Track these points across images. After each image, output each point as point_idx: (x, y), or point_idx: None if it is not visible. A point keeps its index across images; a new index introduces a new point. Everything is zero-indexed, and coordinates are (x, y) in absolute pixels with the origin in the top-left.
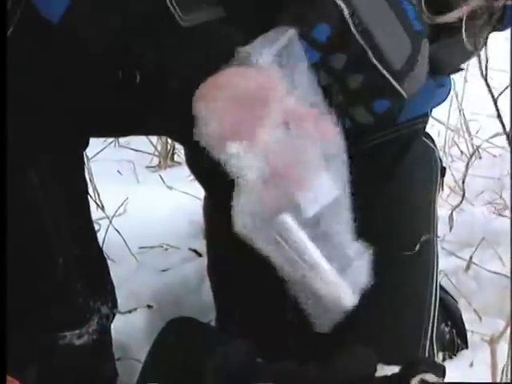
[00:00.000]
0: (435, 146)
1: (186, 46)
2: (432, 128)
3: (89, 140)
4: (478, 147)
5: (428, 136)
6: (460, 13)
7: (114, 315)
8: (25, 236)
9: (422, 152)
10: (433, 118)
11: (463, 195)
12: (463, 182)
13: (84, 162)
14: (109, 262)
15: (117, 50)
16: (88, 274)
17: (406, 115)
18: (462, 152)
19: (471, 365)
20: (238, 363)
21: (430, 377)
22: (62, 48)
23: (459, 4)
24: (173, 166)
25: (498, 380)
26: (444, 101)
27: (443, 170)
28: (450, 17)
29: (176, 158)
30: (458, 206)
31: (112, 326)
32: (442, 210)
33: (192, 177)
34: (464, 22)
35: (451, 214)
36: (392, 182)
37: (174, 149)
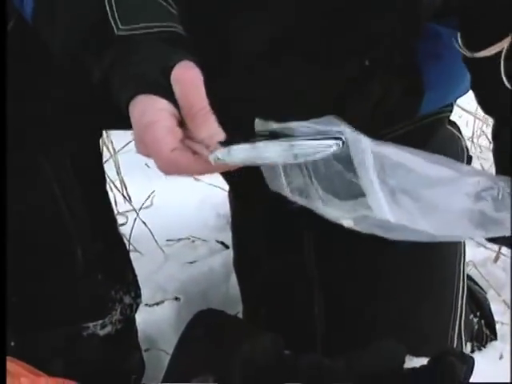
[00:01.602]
0: (461, 134)
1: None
2: (460, 118)
3: (102, 131)
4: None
5: (454, 124)
6: (499, 47)
7: (137, 305)
8: (42, 229)
9: (446, 140)
10: (460, 107)
11: None
12: None
13: (100, 153)
14: (136, 254)
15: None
16: (108, 264)
17: (429, 106)
18: (490, 142)
19: (501, 357)
20: (266, 355)
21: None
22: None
23: (499, 37)
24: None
25: None
26: (469, 90)
27: (469, 158)
28: (490, 51)
29: None
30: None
31: (139, 318)
32: None
33: None
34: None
35: None
36: None
37: None
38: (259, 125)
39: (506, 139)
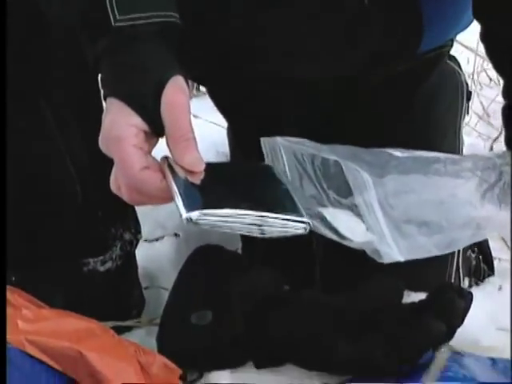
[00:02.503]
0: (461, 69)
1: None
2: (461, 55)
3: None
4: None
5: (454, 59)
6: None
7: (137, 241)
8: (42, 168)
9: (446, 75)
10: (461, 44)
11: (501, 131)
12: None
13: (100, 97)
14: None
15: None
16: (108, 200)
17: (430, 42)
18: (490, 79)
19: (500, 288)
20: (264, 290)
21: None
22: None
23: None
24: (198, 96)
25: None
26: (469, 25)
27: (469, 93)
28: None
29: (202, 88)
30: (496, 139)
31: (139, 254)
32: (470, 138)
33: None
34: None
35: (491, 146)
36: (416, 104)
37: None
38: (266, 142)
39: None
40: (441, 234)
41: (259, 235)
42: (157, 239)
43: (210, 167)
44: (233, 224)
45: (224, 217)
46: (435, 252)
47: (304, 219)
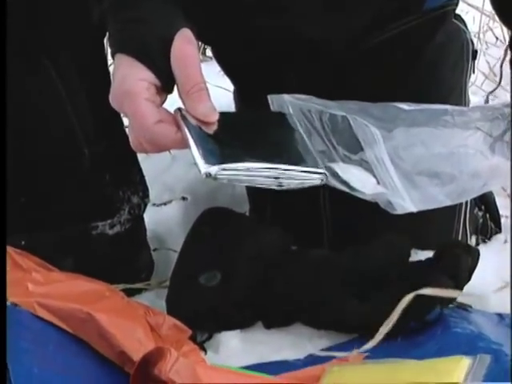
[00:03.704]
0: (467, 28)
1: None
2: (467, 14)
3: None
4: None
5: (459, 18)
6: None
7: (145, 205)
8: (49, 131)
9: (452, 33)
10: (467, 3)
11: (500, 80)
12: (501, 66)
13: (105, 55)
14: (143, 155)
15: None
16: (115, 164)
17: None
18: (497, 38)
19: (505, 241)
20: (272, 250)
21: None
22: None
23: None
24: (205, 61)
25: None
26: None
27: (475, 52)
28: None
29: (208, 53)
30: (493, 90)
31: (148, 217)
32: (476, 97)
33: (222, 72)
34: None
35: (487, 98)
36: (422, 63)
37: (205, 44)
38: (273, 100)
39: None
40: (452, 184)
41: (277, 187)
42: (165, 203)
43: (224, 117)
44: (251, 177)
45: (242, 171)
46: (447, 202)
47: (320, 170)
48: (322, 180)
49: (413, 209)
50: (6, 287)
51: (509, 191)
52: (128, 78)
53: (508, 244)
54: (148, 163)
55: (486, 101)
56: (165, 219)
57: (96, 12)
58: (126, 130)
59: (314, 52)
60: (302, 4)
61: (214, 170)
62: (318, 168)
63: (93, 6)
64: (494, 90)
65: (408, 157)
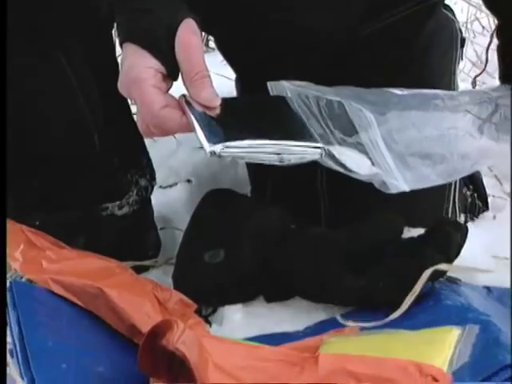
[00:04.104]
0: (455, 17)
1: None
2: (455, 5)
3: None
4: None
5: (448, 8)
6: None
7: (152, 187)
8: (61, 117)
9: (441, 22)
10: None
11: (486, 65)
12: (487, 52)
13: (113, 44)
14: (150, 141)
15: None
16: (124, 149)
17: None
18: (483, 27)
19: (494, 217)
20: (273, 229)
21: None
22: None
23: None
24: (208, 52)
25: None
26: None
27: (463, 40)
28: None
29: (211, 44)
30: (479, 74)
31: (155, 199)
32: (464, 84)
33: (224, 62)
34: None
35: (473, 81)
36: (413, 50)
37: (208, 36)
38: (273, 86)
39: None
40: (443, 164)
41: (279, 163)
42: (171, 185)
43: (226, 102)
44: (254, 154)
45: (245, 148)
46: (439, 181)
47: (319, 145)
48: (321, 154)
49: (406, 188)
50: (5, 288)
51: (496, 172)
52: (136, 65)
53: (496, 220)
54: (155, 148)
55: (474, 85)
56: (171, 201)
57: (104, 4)
58: (135, 117)
59: (313, 40)
60: None
61: (218, 147)
62: (316, 143)
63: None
64: (480, 73)
65: (401, 139)
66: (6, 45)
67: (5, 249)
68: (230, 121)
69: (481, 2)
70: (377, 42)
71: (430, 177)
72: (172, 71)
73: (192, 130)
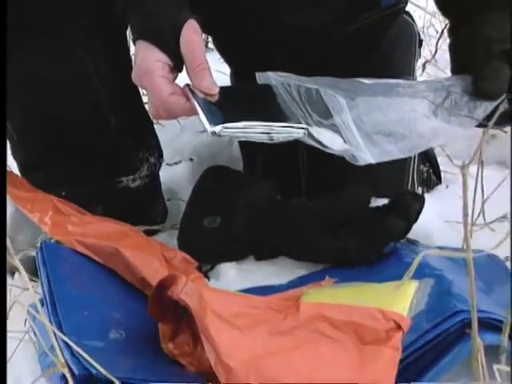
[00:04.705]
0: (414, 22)
1: None
2: (414, 12)
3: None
4: (446, 26)
5: (408, 14)
6: None
7: (160, 164)
8: (84, 106)
9: (403, 26)
10: (413, 4)
11: (435, 53)
12: (436, 43)
13: (127, 42)
14: (158, 126)
15: None
16: (136, 131)
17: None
18: (437, 31)
19: (447, 186)
20: (262, 199)
21: (413, 204)
22: None
23: None
24: (207, 52)
25: (469, 196)
26: None
27: (420, 41)
28: None
29: (209, 45)
30: (429, 61)
31: (162, 174)
32: (421, 78)
33: (221, 60)
34: None
35: (423, 67)
36: (380, 48)
37: (207, 37)
38: (260, 76)
39: (463, 36)
40: (404, 141)
41: (269, 141)
42: (176, 163)
43: (223, 90)
44: (247, 134)
45: (241, 128)
46: (400, 155)
47: (302, 125)
48: (304, 133)
49: (372, 161)
50: (5, 286)
51: (447, 151)
52: (146, 59)
53: (447, 191)
54: (162, 132)
55: (423, 69)
56: (176, 176)
57: (120, 9)
58: (146, 106)
59: (297, 38)
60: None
61: (218, 128)
62: (300, 124)
63: (117, 3)
64: (430, 60)
65: (368, 120)
66: (5, 45)
67: (5, 248)
68: (228, 105)
69: (435, 10)
70: (350, 42)
71: (392, 152)
72: (177, 64)
73: (195, 113)
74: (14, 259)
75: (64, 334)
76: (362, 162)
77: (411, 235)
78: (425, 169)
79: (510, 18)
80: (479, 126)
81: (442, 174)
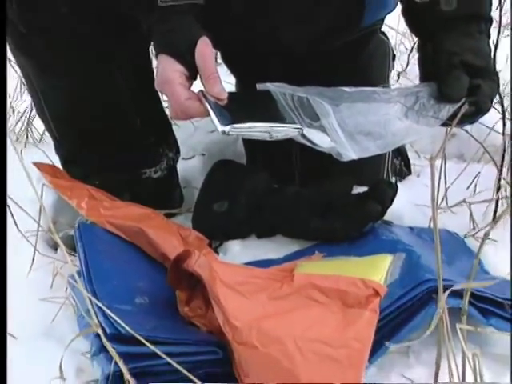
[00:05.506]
0: (388, 40)
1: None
2: (387, 33)
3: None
4: (415, 43)
5: (383, 33)
6: None
7: (177, 158)
8: (114, 111)
9: (378, 44)
10: (386, 25)
11: (406, 66)
12: (408, 56)
13: (150, 55)
14: (175, 126)
15: None
16: (157, 130)
17: (368, 20)
18: (406, 48)
19: (418, 175)
20: (262, 188)
21: (388, 191)
22: None
23: None
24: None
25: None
26: (394, 9)
27: (393, 56)
28: None
29: (218, 60)
30: (402, 71)
31: (179, 167)
32: (395, 86)
33: (228, 72)
34: None
35: (398, 76)
36: (359, 62)
37: (217, 53)
38: (260, 87)
39: (429, 51)
40: (380, 139)
41: (269, 139)
42: (190, 157)
43: (231, 95)
44: (252, 133)
45: (247, 128)
46: (377, 151)
47: (298, 126)
48: (299, 132)
49: (354, 156)
50: (6, 286)
51: (415, 147)
52: (166, 70)
53: (417, 179)
54: (179, 131)
55: (398, 77)
56: (190, 168)
57: (144, 26)
58: (166, 109)
59: (290, 51)
60: (281, 18)
61: (227, 128)
62: (296, 124)
63: (142, 22)
64: (402, 72)
65: (350, 123)
66: (5, 45)
67: (5, 248)
68: (235, 108)
69: (405, 31)
70: (333, 56)
71: (371, 149)
72: (193, 73)
73: (207, 115)
74: (56, 237)
75: (98, 300)
76: (346, 158)
77: (386, 217)
78: (397, 162)
79: (466, 35)
80: (444, 125)
81: (412, 167)
